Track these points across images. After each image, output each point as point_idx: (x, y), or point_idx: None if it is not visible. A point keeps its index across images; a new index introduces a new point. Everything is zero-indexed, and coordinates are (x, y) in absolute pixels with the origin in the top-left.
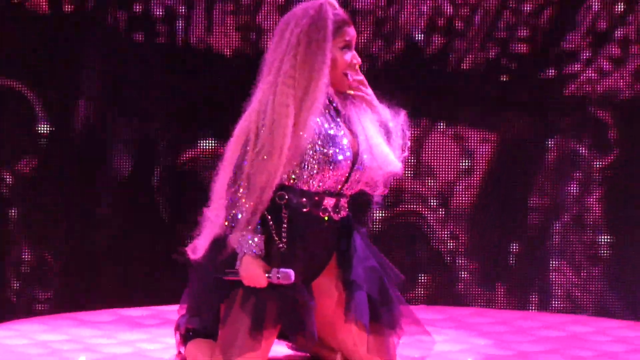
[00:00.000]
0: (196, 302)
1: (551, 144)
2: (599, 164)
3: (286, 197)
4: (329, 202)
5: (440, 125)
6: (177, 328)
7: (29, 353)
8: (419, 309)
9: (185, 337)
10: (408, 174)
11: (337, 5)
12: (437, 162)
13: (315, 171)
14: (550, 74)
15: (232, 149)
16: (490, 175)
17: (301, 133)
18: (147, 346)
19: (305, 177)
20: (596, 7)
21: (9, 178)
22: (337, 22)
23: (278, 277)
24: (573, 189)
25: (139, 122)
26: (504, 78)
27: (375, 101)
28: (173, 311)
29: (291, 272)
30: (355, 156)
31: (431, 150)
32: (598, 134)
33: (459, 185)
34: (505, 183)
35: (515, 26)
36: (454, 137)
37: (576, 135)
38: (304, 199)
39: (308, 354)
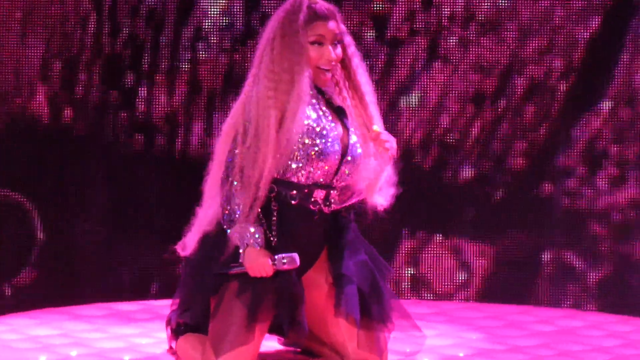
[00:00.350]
0: (187, 297)
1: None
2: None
3: (275, 189)
4: (319, 194)
5: (438, 237)
6: (168, 323)
7: (21, 347)
8: (410, 303)
9: (177, 331)
10: (405, 285)
11: None
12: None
13: (303, 163)
14: (546, 189)
15: (221, 147)
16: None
17: (289, 125)
18: (139, 340)
19: (294, 169)
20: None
21: None
22: (309, 15)
23: (284, 263)
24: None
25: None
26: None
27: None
28: (165, 306)
29: (296, 256)
30: (345, 148)
31: (428, 263)
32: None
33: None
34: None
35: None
36: (451, 249)
37: (572, 249)
38: (294, 191)
39: (299, 349)
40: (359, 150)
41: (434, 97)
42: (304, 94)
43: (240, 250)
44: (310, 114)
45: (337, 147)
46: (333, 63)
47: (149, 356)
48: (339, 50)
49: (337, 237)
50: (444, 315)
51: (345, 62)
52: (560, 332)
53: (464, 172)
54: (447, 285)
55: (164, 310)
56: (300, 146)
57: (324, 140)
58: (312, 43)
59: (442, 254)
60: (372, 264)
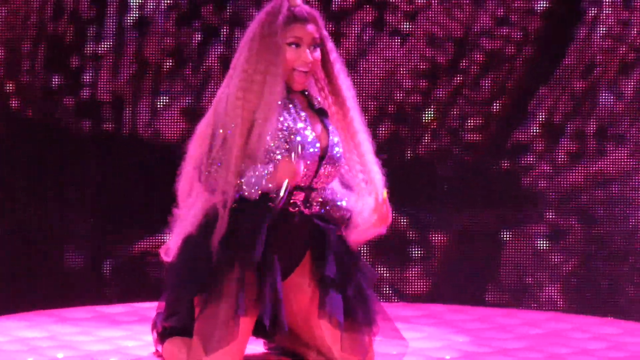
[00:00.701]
0: (172, 301)
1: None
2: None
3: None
4: (298, 196)
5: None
6: (154, 326)
7: (8, 350)
8: (398, 306)
9: (162, 335)
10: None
11: (297, 2)
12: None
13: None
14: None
15: (194, 147)
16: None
17: (259, 129)
18: (126, 343)
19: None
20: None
21: None
22: (287, 17)
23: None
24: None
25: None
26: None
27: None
28: (151, 308)
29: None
30: (325, 150)
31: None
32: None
33: (412, 271)
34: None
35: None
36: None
37: (533, 227)
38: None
39: (285, 354)
40: (338, 151)
41: (385, 71)
42: (276, 96)
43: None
44: (285, 116)
45: (314, 149)
46: (310, 65)
47: (135, 359)
48: (317, 53)
49: (321, 239)
50: (431, 317)
51: (327, 68)
52: (547, 335)
53: (419, 148)
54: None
55: (150, 313)
56: (274, 147)
57: (299, 144)
58: (290, 44)
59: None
60: (357, 267)
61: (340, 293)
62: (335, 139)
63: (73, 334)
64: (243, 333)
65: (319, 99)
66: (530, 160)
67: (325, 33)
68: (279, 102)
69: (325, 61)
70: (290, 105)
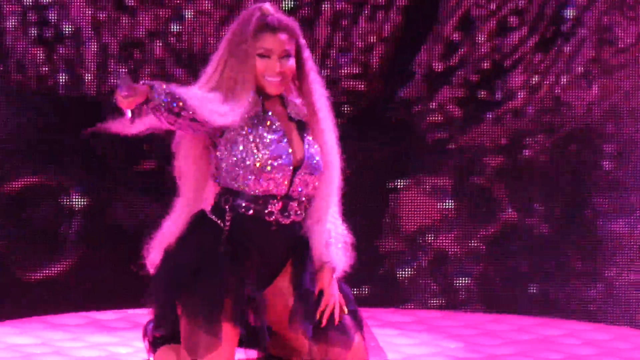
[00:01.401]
0: (158, 312)
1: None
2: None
3: (230, 199)
4: (274, 205)
5: None
6: (145, 334)
7: (1, 357)
8: (389, 312)
9: (154, 343)
10: None
11: (271, 11)
12: None
13: (251, 176)
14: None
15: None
16: None
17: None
18: (118, 350)
19: (245, 180)
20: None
21: None
22: (258, 27)
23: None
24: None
25: None
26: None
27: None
28: (143, 315)
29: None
30: (300, 160)
31: None
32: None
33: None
34: None
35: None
36: None
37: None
38: (247, 202)
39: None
40: (317, 161)
41: None
42: (242, 104)
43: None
44: (255, 127)
45: (285, 159)
46: (279, 75)
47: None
48: (291, 62)
49: (302, 247)
50: (422, 324)
51: (301, 77)
52: (537, 341)
53: None
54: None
55: (142, 319)
56: (245, 157)
57: (267, 153)
58: (259, 55)
59: None
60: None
61: (315, 304)
62: (312, 150)
63: (65, 340)
64: (228, 338)
65: (297, 106)
66: None
67: (301, 41)
68: (245, 114)
69: (300, 71)
70: (265, 117)
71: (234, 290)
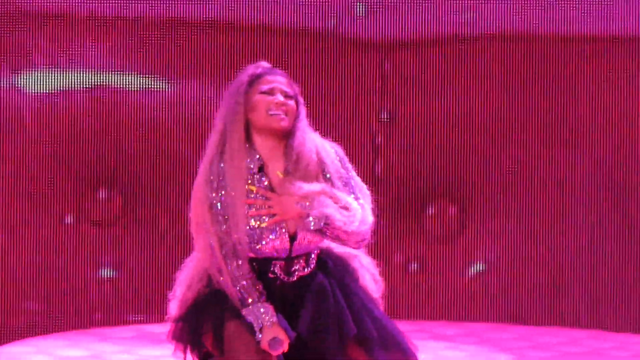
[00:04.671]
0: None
1: None
2: None
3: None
4: (276, 266)
5: None
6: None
7: None
8: (440, 324)
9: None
10: None
11: (265, 64)
12: None
13: (249, 241)
14: None
15: (196, 210)
16: None
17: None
18: None
19: (248, 244)
20: None
21: None
22: (254, 74)
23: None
24: None
25: None
26: None
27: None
28: None
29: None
30: (294, 233)
31: None
32: None
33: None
34: None
35: None
36: None
37: None
38: (254, 264)
39: None
40: (315, 222)
41: None
42: (233, 151)
43: (256, 329)
44: (249, 192)
45: (282, 229)
46: (282, 107)
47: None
48: (292, 103)
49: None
50: (473, 336)
51: (294, 130)
52: (588, 353)
53: None
54: None
55: None
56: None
57: (263, 224)
58: (262, 93)
59: None
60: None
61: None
62: (308, 230)
63: (115, 352)
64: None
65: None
66: None
67: (300, 99)
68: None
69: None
70: (261, 177)
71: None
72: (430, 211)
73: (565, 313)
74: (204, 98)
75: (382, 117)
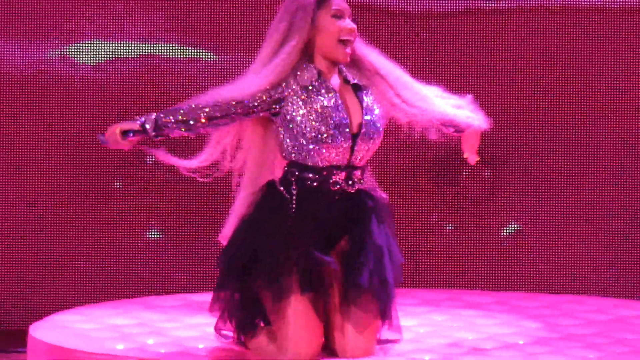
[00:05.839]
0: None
1: None
2: None
3: (296, 173)
4: (338, 175)
5: None
6: (228, 319)
7: (99, 337)
8: (473, 293)
9: (245, 328)
10: None
11: None
12: None
13: (314, 147)
14: None
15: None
16: None
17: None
18: (212, 330)
19: (307, 152)
20: None
21: None
22: None
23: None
24: None
25: None
26: None
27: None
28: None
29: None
30: (359, 126)
31: None
32: None
33: None
34: None
35: None
36: None
37: None
38: (312, 174)
39: None
40: (374, 126)
41: None
42: (286, 60)
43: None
44: (310, 97)
45: (346, 129)
46: (354, 34)
47: (222, 345)
48: (354, 25)
49: (359, 222)
50: (504, 304)
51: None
52: (614, 321)
53: None
54: None
55: None
56: (307, 130)
57: (325, 123)
58: (333, 16)
59: None
60: (387, 253)
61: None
62: (368, 117)
63: (162, 320)
64: (300, 308)
65: (354, 75)
66: None
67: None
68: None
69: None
70: (321, 85)
71: (299, 263)
72: (464, 174)
73: (593, 281)
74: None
75: None
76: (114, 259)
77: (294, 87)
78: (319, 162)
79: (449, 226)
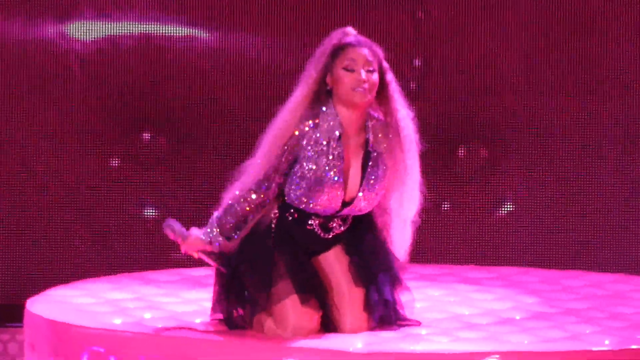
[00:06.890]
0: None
1: None
2: None
3: (282, 200)
4: (314, 221)
5: None
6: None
7: (97, 311)
8: (468, 268)
9: (248, 308)
10: None
11: (351, 32)
12: None
13: (302, 197)
14: None
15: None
16: None
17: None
18: (209, 304)
19: (297, 197)
20: None
21: None
22: (339, 44)
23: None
24: None
25: None
26: None
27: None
28: None
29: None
30: (351, 200)
31: None
32: None
33: None
34: None
35: None
36: None
37: None
38: (293, 210)
39: None
40: (367, 204)
41: None
42: (298, 109)
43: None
44: (322, 161)
45: (334, 201)
46: (365, 84)
47: (219, 318)
48: (375, 77)
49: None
50: (501, 279)
51: (384, 98)
52: (611, 296)
53: None
54: None
55: None
56: (300, 189)
57: (322, 189)
58: (344, 69)
59: None
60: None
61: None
62: (361, 194)
63: (159, 295)
64: (289, 295)
65: (379, 133)
66: None
67: (385, 64)
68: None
69: (383, 92)
70: (337, 150)
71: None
72: (461, 153)
73: (592, 256)
74: (249, 47)
75: (415, 64)
76: (113, 235)
77: (311, 135)
78: (302, 207)
79: (445, 205)
